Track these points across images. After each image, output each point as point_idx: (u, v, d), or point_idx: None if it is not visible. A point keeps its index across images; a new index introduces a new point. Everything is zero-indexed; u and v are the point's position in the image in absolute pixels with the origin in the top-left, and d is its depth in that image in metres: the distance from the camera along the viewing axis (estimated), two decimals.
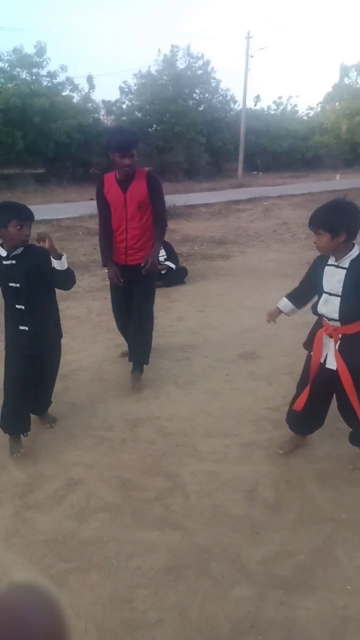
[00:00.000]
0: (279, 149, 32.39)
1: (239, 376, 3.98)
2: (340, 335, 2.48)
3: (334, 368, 2.50)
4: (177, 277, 6.76)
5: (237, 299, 6.07)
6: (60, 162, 23.30)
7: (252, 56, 27.27)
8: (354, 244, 2.41)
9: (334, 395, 2.69)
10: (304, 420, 2.83)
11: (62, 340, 3.10)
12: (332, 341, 2.51)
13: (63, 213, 12.76)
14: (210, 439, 3.08)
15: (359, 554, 2.18)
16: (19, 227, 2.60)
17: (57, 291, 2.93)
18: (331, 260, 2.46)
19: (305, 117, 35.67)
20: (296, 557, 2.17)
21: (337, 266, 2.43)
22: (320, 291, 2.50)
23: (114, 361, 4.28)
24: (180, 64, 27.68)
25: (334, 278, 2.43)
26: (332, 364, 2.53)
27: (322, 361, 2.58)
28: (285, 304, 2.81)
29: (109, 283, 3.97)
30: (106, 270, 3.83)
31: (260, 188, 20.86)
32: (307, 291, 2.72)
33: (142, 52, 68.53)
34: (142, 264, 3.54)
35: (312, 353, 2.63)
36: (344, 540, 2.25)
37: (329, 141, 26.48)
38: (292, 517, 2.41)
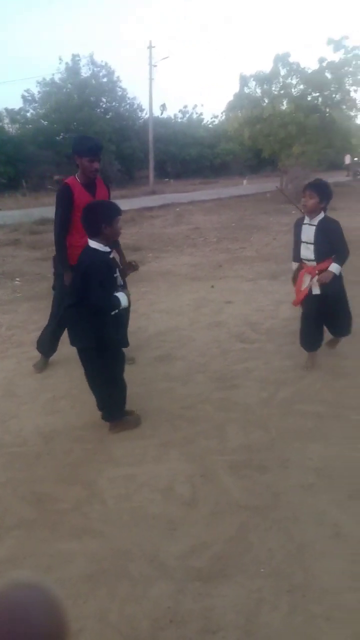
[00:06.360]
0: (187, 157, 33.18)
1: (155, 378, 4.02)
2: (317, 271, 3.74)
3: (318, 292, 3.78)
4: None
5: (152, 303, 6.13)
6: None
7: (155, 65, 27.68)
8: (322, 210, 3.72)
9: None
10: (311, 338, 3.99)
11: None
12: (309, 277, 3.78)
13: None
14: (127, 443, 3.09)
15: (270, 537, 2.29)
16: (118, 222, 2.89)
17: None
18: (305, 221, 3.78)
19: (210, 125, 36.82)
20: (212, 548, 2.23)
21: (309, 224, 3.74)
22: (299, 242, 3.84)
23: (27, 375, 4.15)
24: (84, 72, 27.55)
25: (309, 232, 3.74)
26: (316, 290, 3.79)
27: (308, 291, 3.82)
28: (295, 266, 3.98)
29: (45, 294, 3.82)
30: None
31: (171, 195, 21.23)
32: (296, 246, 3.92)
33: (43, 60, 66.88)
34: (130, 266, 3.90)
35: (295, 287, 3.96)
36: (256, 526, 2.35)
37: (235, 148, 27.57)
38: (207, 510, 2.47)
